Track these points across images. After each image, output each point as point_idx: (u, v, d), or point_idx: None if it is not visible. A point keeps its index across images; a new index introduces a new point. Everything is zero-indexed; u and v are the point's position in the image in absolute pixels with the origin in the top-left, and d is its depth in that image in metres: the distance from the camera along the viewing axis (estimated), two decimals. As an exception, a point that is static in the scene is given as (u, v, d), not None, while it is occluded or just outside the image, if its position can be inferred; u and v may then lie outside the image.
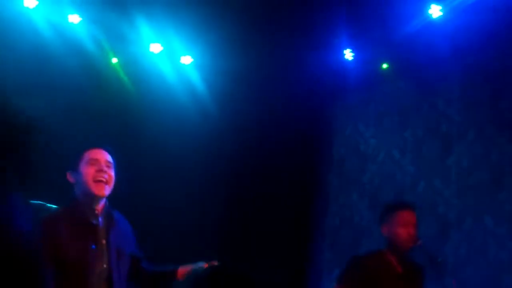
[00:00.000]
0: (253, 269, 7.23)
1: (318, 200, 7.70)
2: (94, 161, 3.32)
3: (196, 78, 7.34)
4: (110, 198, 3.45)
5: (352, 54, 7.09)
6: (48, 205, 4.27)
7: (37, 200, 4.23)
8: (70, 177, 3.41)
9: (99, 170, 3.29)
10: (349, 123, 7.63)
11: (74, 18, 6.40)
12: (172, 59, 7.18)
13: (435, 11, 6.07)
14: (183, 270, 3.46)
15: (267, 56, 6.98)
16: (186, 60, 7.21)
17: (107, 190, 3.31)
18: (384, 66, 7.15)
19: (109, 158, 3.40)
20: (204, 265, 3.48)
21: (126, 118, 7.00)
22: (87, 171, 3.29)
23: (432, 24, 6.15)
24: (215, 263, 3.52)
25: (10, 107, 6.29)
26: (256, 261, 7.29)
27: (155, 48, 6.93)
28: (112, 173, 3.35)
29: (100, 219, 3.29)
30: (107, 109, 6.91)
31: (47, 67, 6.47)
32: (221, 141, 7.42)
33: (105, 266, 3.20)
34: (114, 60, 7.05)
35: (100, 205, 3.32)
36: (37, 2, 6.14)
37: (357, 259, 4.27)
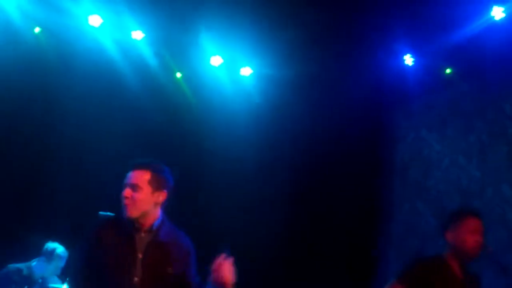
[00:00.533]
0: (318, 278, 7.21)
1: (382, 208, 7.61)
2: (124, 185, 3.33)
3: (256, 89, 7.41)
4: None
5: (412, 59, 7.02)
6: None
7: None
8: None
9: (122, 196, 3.30)
10: (412, 129, 7.52)
11: (138, 35, 6.58)
12: (232, 71, 7.28)
13: (497, 13, 5.94)
14: None
15: (327, 64, 6.99)
16: (246, 71, 7.30)
17: (131, 212, 3.26)
18: (448, 71, 7.03)
19: (134, 179, 3.30)
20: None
21: (189, 131, 7.13)
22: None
23: (495, 26, 6.02)
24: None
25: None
26: (321, 270, 7.26)
27: (216, 61, 7.05)
28: (136, 194, 3.26)
29: (142, 233, 3.29)
30: (171, 123, 7.06)
31: (112, 84, 6.68)
32: (282, 152, 7.46)
33: (136, 279, 3.20)
34: (178, 75, 7.20)
35: (148, 220, 3.31)
36: (101, 21, 6.34)
37: (419, 260, 4.23)
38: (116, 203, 4.94)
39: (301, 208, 7.42)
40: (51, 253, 5.70)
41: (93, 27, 6.38)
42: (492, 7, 5.93)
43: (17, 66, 6.23)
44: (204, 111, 7.17)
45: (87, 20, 6.34)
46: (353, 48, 6.76)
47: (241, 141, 7.23)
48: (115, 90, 6.70)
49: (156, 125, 6.96)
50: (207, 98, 7.21)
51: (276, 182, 7.45)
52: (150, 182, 3.29)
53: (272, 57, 6.99)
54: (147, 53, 6.75)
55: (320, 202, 7.44)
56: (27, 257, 5.72)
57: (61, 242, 5.86)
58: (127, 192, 3.27)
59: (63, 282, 5.70)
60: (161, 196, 3.31)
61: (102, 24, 6.38)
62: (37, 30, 6.36)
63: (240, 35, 6.54)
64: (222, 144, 7.18)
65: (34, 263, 5.73)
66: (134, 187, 3.27)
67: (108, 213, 4.50)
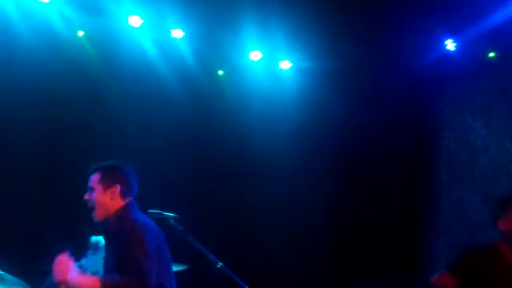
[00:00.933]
0: (364, 268, 7.18)
1: (429, 197, 7.52)
2: None
3: (295, 82, 7.39)
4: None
5: (454, 44, 6.90)
6: (166, 213, 4.51)
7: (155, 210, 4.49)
8: None
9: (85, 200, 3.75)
10: (457, 115, 7.40)
11: (177, 33, 6.62)
12: (271, 65, 7.27)
13: (541, -7, 5.79)
14: None
15: (367, 54, 6.93)
16: (285, 65, 7.28)
17: (95, 215, 3.69)
18: (491, 55, 6.89)
19: (89, 183, 3.72)
20: None
21: (228, 127, 7.16)
22: None
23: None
24: None
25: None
26: (367, 260, 7.23)
27: (255, 55, 7.05)
28: (92, 195, 3.68)
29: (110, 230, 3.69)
30: (211, 120, 7.11)
31: (153, 83, 6.75)
32: (326, 141, 7.42)
33: None
34: (220, 72, 7.23)
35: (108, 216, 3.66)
36: (141, 21, 6.40)
37: (471, 250, 4.17)
38: (160, 199, 5.04)
39: (345, 199, 7.38)
40: (96, 245, 5.80)
41: (133, 27, 6.44)
42: (535, -13, 5.78)
43: (61, 69, 6.34)
44: (243, 107, 7.18)
45: (127, 20, 6.40)
46: (393, 36, 6.69)
47: (281, 135, 7.23)
48: (157, 89, 6.77)
49: (197, 122, 7.00)
50: (246, 93, 7.22)
51: (318, 174, 7.42)
52: (100, 182, 3.70)
53: (311, 49, 6.96)
54: (187, 51, 6.78)
55: (365, 192, 7.39)
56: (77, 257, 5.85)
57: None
58: (86, 196, 3.71)
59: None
60: (115, 191, 3.69)
61: (142, 24, 6.43)
62: (80, 33, 6.45)
63: (279, 29, 6.53)
64: (262, 139, 7.19)
65: (83, 260, 5.85)
66: (90, 190, 3.71)
67: (156, 211, 4.60)
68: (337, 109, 7.33)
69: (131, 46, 6.55)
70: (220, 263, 4.41)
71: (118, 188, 3.66)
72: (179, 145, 6.85)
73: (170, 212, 4.51)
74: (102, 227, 3.67)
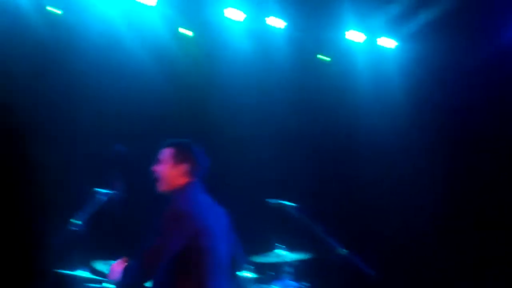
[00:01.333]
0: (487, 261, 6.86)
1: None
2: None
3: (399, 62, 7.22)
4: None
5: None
6: (285, 202, 4.55)
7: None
8: None
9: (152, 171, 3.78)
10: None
11: (278, 22, 6.60)
12: (372, 45, 7.13)
13: None
14: None
15: (463, 42, 6.71)
16: (388, 43, 7.11)
17: (160, 187, 3.73)
18: None
19: (161, 155, 3.75)
20: None
21: (339, 117, 7.12)
22: None
23: None
24: None
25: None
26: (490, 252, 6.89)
27: (356, 36, 6.94)
28: (161, 167, 3.73)
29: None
30: (320, 111, 7.07)
31: (258, 77, 6.79)
32: (429, 133, 7.15)
33: None
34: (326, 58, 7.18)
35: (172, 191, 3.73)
36: (243, 15, 6.45)
37: None
38: (280, 190, 5.04)
39: (465, 184, 7.07)
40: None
41: (233, 21, 6.50)
42: None
43: (165, 69, 6.51)
44: (351, 90, 7.09)
45: (228, 15, 6.46)
46: (483, 22, 6.42)
47: (392, 117, 7.08)
48: (265, 81, 6.83)
49: (306, 112, 7.00)
50: (352, 77, 7.12)
51: (424, 168, 7.15)
52: (172, 157, 3.74)
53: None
54: (288, 40, 6.77)
55: (487, 178, 7.02)
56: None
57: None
58: (155, 166, 3.75)
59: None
60: (183, 168, 3.72)
61: (242, 18, 6.49)
62: (186, 32, 6.58)
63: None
64: (372, 122, 7.10)
65: None
66: (160, 162, 3.76)
67: (276, 201, 4.64)
68: (434, 101, 7.09)
69: (233, 40, 6.60)
70: (345, 250, 4.37)
71: (186, 166, 3.72)
72: (292, 134, 6.89)
73: (291, 202, 4.55)
74: (171, 196, 3.72)
